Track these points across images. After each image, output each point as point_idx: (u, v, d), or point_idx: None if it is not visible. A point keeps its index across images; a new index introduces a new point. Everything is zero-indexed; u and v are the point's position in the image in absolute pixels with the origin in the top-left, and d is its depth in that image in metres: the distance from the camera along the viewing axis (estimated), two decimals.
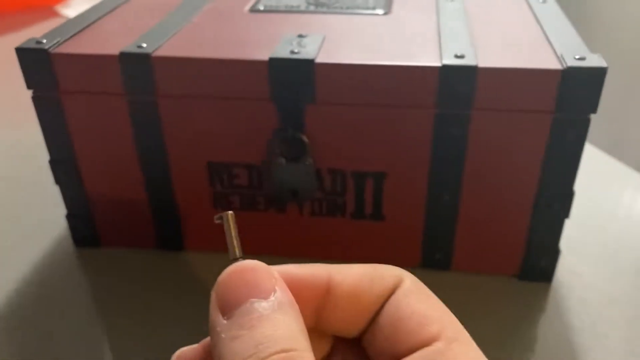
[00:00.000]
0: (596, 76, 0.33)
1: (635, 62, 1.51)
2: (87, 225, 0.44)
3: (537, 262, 0.40)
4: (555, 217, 0.38)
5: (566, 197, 0.37)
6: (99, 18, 0.43)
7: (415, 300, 0.19)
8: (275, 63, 0.35)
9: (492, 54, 0.35)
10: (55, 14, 0.92)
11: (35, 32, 0.88)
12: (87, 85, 0.38)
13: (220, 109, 0.37)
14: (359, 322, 0.19)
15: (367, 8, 0.43)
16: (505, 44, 0.36)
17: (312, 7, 0.44)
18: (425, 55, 0.35)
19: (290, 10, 0.44)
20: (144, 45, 0.37)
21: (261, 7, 0.44)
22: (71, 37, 0.39)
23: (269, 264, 0.19)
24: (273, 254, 0.42)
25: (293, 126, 0.37)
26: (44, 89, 0.38)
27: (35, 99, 0.39)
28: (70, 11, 0.92)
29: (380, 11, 0.43)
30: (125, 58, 0.36)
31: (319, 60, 0.35)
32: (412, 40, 0.38)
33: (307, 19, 0.42)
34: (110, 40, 0.38)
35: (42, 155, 0.56)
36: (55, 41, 0.38)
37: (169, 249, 0.44)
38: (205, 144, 0.39)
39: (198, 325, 0.37)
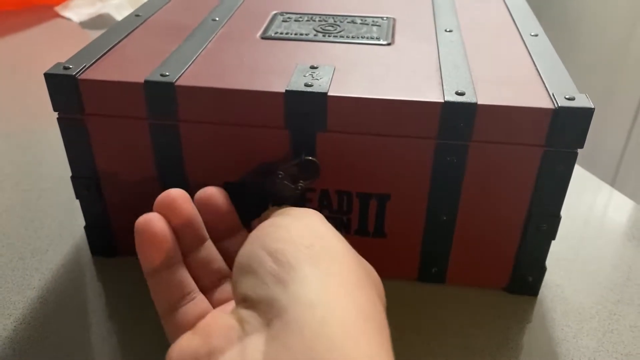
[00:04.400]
0: (584, 115, 0.36)
1: (605, 76, 1.56)
2: (104, 236, 0.46)
3: (525, 277, 0.43)
4: (542, 238, 0.41)
5: (553, 221, 0.40)
6: (119, 41, 0.45)
7: None
8: (291, 95, 0.38)
9: (489, 90, 0.38)
10: (56, 15, 0.93)
11: (36, 33, 0.90)
12: (112, 109, 0.40)
13: (237, 134, 0.40)
14: None
15: (372, 38, 0.46)
16: (500, 81, 0.40)
17: (320, 36, 0.47)
18: (428, 90, 0.38)
19: (299, 39, 0.46)
20: (167, 73, 0.39)
21: (272, 34, 0.47)
22: (95, 62, 0.42)
23: None
24: None
25: (305, 152, 0.40)
26: (70, 111, 0.40)
27: (61, 121, 0.41)
28: (71, 13, 0.93)
29: (384, 41, 0.46)
30: (150, 86, 0.39)
31: (331, 93, 0.38)
32: (415, 73, 0.41)
33: (317, 48, 0.45)
34: (133, 66, 0.41)
35: (59, 169, 0.59)
36: (81, 66, 0.40)
37: None
38: (222, 166, 0.41)
39: None
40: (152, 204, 0.44)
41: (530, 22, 0.50)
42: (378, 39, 0.46)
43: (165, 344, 0.40)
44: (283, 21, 0.50)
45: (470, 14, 0.52)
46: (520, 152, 0.38)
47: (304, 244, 0.28)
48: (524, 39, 0.47)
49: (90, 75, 0.40)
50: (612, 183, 1.64)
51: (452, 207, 0.41)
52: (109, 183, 0.43)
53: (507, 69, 0.42)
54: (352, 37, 0.47)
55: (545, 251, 0.42)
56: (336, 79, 0.40)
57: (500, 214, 0.41)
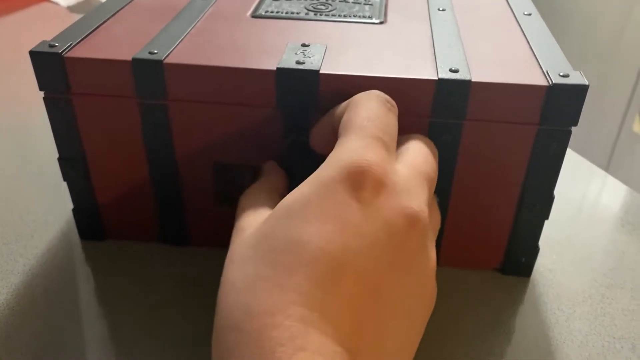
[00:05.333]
0: (578, 93, 0.36)
1: (598, 62, 1.57)
2: (93, 219, 0.45)
3: (518, 258, 0.43)
4: (536, 218, 0.41)
5: (547, 200, 0.40)
6: (106, 20, 0.44)
7: None
8: (282, 73, 0.37)
9: (483, 68, 0.38)
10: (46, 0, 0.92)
11: (23, 17, 0.88)
12: (99, 87, 0.39)
13: (227, 113, 0.39)
14: None
15: (364, 17, 0.46)
16: (494, 58, 0.39)
17: (311, 14, 0.46)
18: (422, 68, 0.38)
19: (290, 17, 0.46)
20: (155, 51, 0.39)
21: (262, 13, 0.46)
22: (82, 40, 0.41)
23: None
24: None
25: (297, 130, 0.39)
26: (56, 90, 0.40)
27: (47, 100, 0.40)
28: None
29: (376, 20, 0.45)
30: (138, 64, 0.38)
31: (323, 70, 0.37)
32: (408, 51, 0.40)
33: (308, 26, 0.44)
34: (121, 44, 0.40)
35: (45, 152, 0.58)
36: (67, 44, 0.39)
37: (172, 243, 0.46)
38: (212, 146, 0.41)
39: (199, 314, 0.40)
40: (141, 185, 0.43)
41: (523, 1, 0.50)
42: (370, 17, 0.46)
43: (155, 328, 0.40)
44: (274, 0, 0.49)
45: None
46: (514, 130, 0.38)
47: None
48: (517, 18, 0.46)
49: (76, 53, 0.39)
50: (606, 168, 1.65)
51: (445, 187, 0.40)
52: (96, 164, 0.43)
53: (500, 47, 0.41)
54: (344, 16, 0.46)
55: (538, 231, 0.42)
56: (328, 57, 0.39)
57: (494, 193, 0.41)
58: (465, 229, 0.42)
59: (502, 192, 0.41)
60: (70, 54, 0.39)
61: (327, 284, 0.23)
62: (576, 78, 0.36)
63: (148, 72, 0.38)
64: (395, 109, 0.33)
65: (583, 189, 0.57)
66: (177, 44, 0.40)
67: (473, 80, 0.36)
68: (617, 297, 0.43)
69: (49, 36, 0.41)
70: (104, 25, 0.43)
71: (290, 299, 0.23)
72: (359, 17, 0.46)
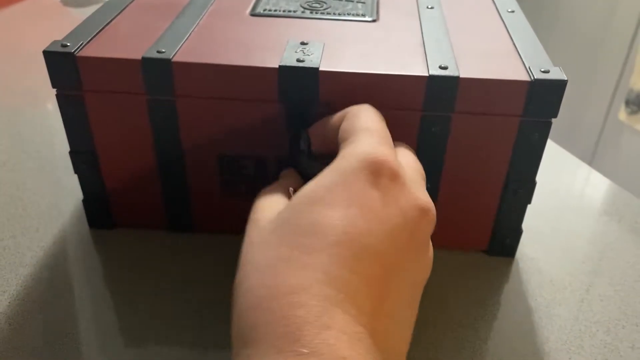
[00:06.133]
0: (558, 87, 0.39)
1: (583, 56, 1.60)
2: (102, 209, 0.48)
3: (503, 240, 0.47)
4: (519, 201, 0.44)
5: (529, 185, 0.44)
6: (113, 18, 0.46)
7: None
8: (284, 70, 0.40)
9: (470, 64, 0.41)
10: None
11: (17, 11, 0.89)
12: (110, 85, 0.42)
13: (232, 107, 0.42)
14: None
15: (357, 15, 0.48)
16: (480, 55, 0.42)
17: (307, 13, 0.49)
18: (414, 65, 0.40)
19: (288, 15, 0.48)
20: (163, 49, 0.41)
21: (261, 11, 0.49)
22: (92, 38, 0.43)
23: None
24: None
25: (299, 123, 0.42)
26: (68, 88, 0.42)
27: (60, 97, 0.42)
28: None
29: (369, 18, 0.48)
30: (147, 63, 0.40)
31: (322, 68, 0.40)
32: (400, 48, 0.43)
33: (305, 24, 0.47)
34: (130, 43, 0.42)
35: (46, 147, 0.60)
36: (79, 44, 0.41)
37: (180, 230, 0.48)
38: (217, 138, 0.43)
39: (207, 298, 0.42)
40: (149, 176, 0.46)
41: None
42: (363, 15, 0.48)
43: (165, 316, 0.42)
44: None
45: None
46: (499, 122, 0.41)
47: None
48: (502, 15, 0.49)
49: (88, 52, 0.41)
50: (592, 156, 1.69)
51: (435, 175, 0.44)
52: (106, 156, 0.45)
53: (486, 43, 0.44)
54: (339, 14, 0.48)
55: (521, 214, 0.45)
56: (326, 54, 0.42)
57: (480, 180, 0.44)
58: (454, 212, 0.46)
59: (488, 179, 0.44)
60: (82, 53, 0.41)
61: (351, 265, 0.25)
62: (556, 73, 0.39)
63: (157, 70, 0.40)
64: (384, 121, 0.35)
65: (567, 182, 0.60)
66: (183, 42, 0.42)
67: (461, 76, 0.39)
68: (595, 284, 0.47)
69: (44, 30, 0.43)
70: (112, 23, 0.46)
71: (316, 279, 0.24)
72: (353, 15, 0.49)
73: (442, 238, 0.47)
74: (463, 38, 0.45)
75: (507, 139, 0.42)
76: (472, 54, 0.42)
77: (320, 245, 0.25)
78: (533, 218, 0.45)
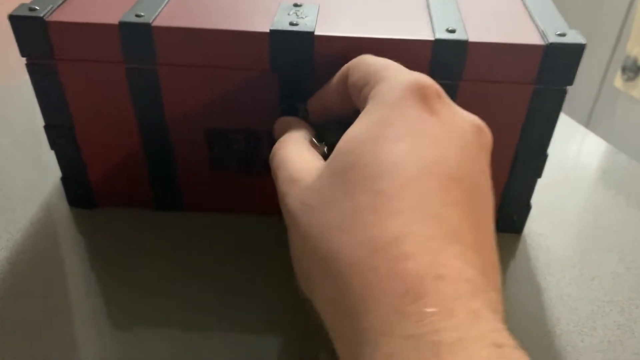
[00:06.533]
0: (575, 52, 0.36)
1: (580, 18, 1.56)
2: (83, 187, 0.45)
3: (511, 216, 0.44)
4: (529, 176, 0.42)
5: (540, 158, 0.41)
6: None
7: None
8: (275, 35, 0.36)
9: (479, 28, 0.37)
10: None
11: None
12: (84, 53, 0.38)
13: (220, 77, 0.38)
14: None
15: None
16: (490, 17, 0.39)
17: None
18: (418, 29, 0.37)
19: None
20: (142, 13, 0.37)
21: None
22: (63, 2, 0.39)
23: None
24: (268, 214, 0.44)
25: (293, 95, 0.38)
26: (39, 56, 0.38)
27: (30, 66, 0.39)
28: None
29: None
30: (125, 27, 0.36)
31: (318, 32, 0.36)
32: (403, 10, 0.40)
33: None
34: (105, 6, 0.38)
35: (19, 123, 0.57)
36: (48, 8, 0.38)
37: (167, 209, 0.45)
38: (204, 111, 0.40)
39: (196, 279, 0.40)
40: (132, 151, 0.42)
41: None
42: None
43: (151, 294, 0.40)
44: None
45: None
46: (510, 90, 0.38)
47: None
48: None
49: (59, 16, 0.37)
50: (587, 123, 1.67)
51: None
52: (85, 131, 0.42)
53: (496, 4, 0.41)
54: None
55: (531, 189, 0.42)
56: (322, 17, 0.38)
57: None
58: None
59: (497, 151, 0.40)
60: (53, 18, 0.37)
61: (443, 198, 0.22)
62: (573, 37, 0.36)
63: (136, 36, 0.37)
64: None
65: (569, 150, 0.58)
66: (164, 6, 0.39)
67: (470, 40, 0.36)
68: (604, 260, 0.44)
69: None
70: None
71: (413, 221, 0.21)
72: None
73: None
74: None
75: (518, 109, 0.39)
76: (480, 15, 0.39)
77: (402, 183, 0.22)
78: (540, 191, 0.42)
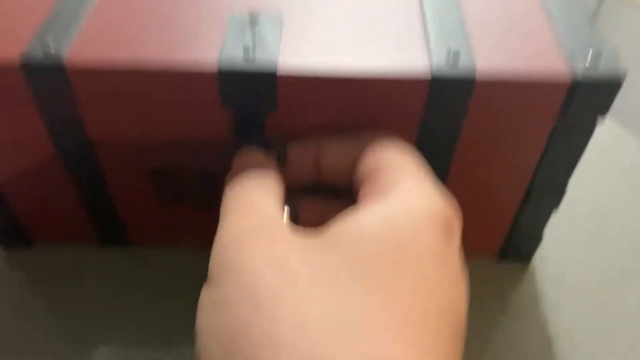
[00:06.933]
0: (611, 86, 0.28)
1: None
2: (12, 227, 0.38)
3: (518, 245, 0.38)
4: (544, 209, 0.35)
5: (559, 191, 0.34)
6: None
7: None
8: (225, 75, 0.28)
9: (487, 52, 0.29)
10: None
11: None
12: None
13: (159, 115, 0.30)
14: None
15: None
16: (502, 36, 0.30)
17: None
18: (409, 54, 0.28)
19: None
20: (50, 45, 0.28)
21: None
22: None
23: None
24: None
25: (252, 131, 0.31)
26: None
27: None
28: None
29: None
30: (30, 69, 0.28)
31: (281, 70, 0.28)
32: (389, 17, 0.31)
33: None
34: (4, 27, 0.29)
35: None
36: None
37: (109, 244, 0.39)
38: (145, 152, 0.32)
39: (143, 314, 0.34)
40: (63, 192, 0.35)
41: None
42: None
43: (92, 340, 0.34)
44: None
45: None
46: (525, 126, 0.30)
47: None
48: None
49: None
50: None
51: (441, 176, 0.33)
52: (3, 171, 0.34)
53: (509, 11, 0.32)
54: None
55: (545, 221, 0.36)
56: (286, 38, 0.29)
57: (499, 183, 0.34)
58: (464, 215, 0.36)
59: (509, 183, 0.34)
60: None
61: (453, 341, 0.21)
62: (609, 65, 0.28)
63: (46, 78, 0.28)
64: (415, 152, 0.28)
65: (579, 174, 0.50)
66: (80, 27, 0.30)
67: (478, 78, 0.28)
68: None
69: None
70: None
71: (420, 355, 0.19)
72: None
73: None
74: (476, 3, 0.32)
75: (534, 143, 0.31)
76: (490, 30, 0.30)
77: (421, 313, 0.20)
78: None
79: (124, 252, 0.39)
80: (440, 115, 0.29)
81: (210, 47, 0.29)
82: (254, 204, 0.24)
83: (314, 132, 0.29)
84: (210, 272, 0.22)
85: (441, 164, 0.32)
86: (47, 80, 0.28)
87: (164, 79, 0.28)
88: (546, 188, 0.33)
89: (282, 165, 0.28)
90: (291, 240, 0.22)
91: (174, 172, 0.34)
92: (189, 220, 0.37)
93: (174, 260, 0.39)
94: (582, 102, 0.28)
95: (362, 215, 0.22)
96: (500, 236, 0.38)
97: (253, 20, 0.30)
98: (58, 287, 0.37)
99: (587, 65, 0.28)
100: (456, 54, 0.28)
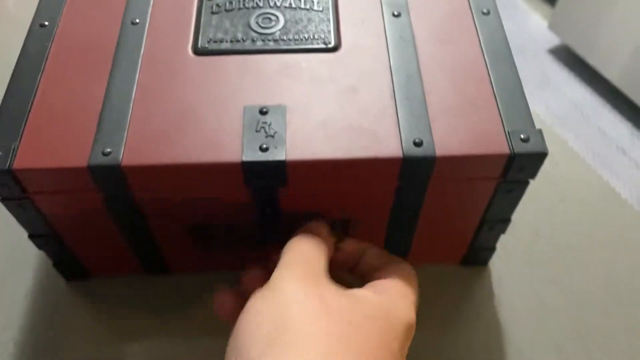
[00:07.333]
0: (537, 158, 0.37)
1: None
2: (74, 266, 0.47)
3: (476, 256, 0.48)
4: (495, 234, 0.45)
5: (505, 222, 0.44)
6: (37, 87, 0.39)
7: None
8: (247, 165, 0.36)
9: (446, 132, 0.37)
10: None
11: None
12: (58, 187, 0.38)
13: (195, 192, 0.39)
14: None
15: (316, 39, 0.42)
16: (458, 118, 0.38)
17: (259, 42, 0.42)
18: (386, 139, 0.37)
19: (237, 50, 0.42)
20: (109, 150, 0.36)
21: (205, 44, 0.42)
22: (22, 135, 0.37)
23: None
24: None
25: (267, 204, 0.40)
26: (11, 196, 0.38)
27: (4, 202, 0.39)
28: None
29: (330, 43, 0.42)
30: (95, 171, 0.36)
31: (289, 157, 0.36)
32: (369, 105, 0.39)
33: (259, 67, 0.41)
34: (68, 137, 0.37)
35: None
36: (10, 149, 0.36)
37: (153, 274, 0.49)
38: (184, 215, 0.41)
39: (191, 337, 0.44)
40: (118, 246, 0.44)
41: None
42: (323, 38, 0.42)
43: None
44: (212, 13, 0.44)
45: None
46: (476, 183, 0.39)
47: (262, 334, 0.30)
48: (475, 20, 0.43)
49: (24, 162, 0.36)
50: None
51: (410, 227, 0.43)
52: (70, 238, 0.43)
53: (464, 91, 0.40)
54: (295, 40, 0.42)
55: (496, 240, 0.46)
56: (290, 130, 0.37)
57: (456, 223, 0.44)
58: (431, 244, 0.46)
59: (464, 222, 0.44)
60: (18, 165, 0.36)
61: None
62: (536, 143, 0.37)
63: (107, 176, 0.37)
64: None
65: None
66: (128, 128, 0.38)
67: (437, 154, 0.37)
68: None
69: None
70: (37, 98, 0.39)
71: None
72: (312, 38, 0.42)
73: (421, 256, 0.48)
74: (435, 71, 0.41)
75: (483, 195, 0.41)
76: (447, 113, 0.39)
77: None
78: None
79: (165, 278, 0.49)
80: (411, 183, 0.38)
81: (233, 140, 0.37)
82: (309, 257, 0.35)
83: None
84: (268, 284, 0.32)
85: (413, 213, 0.42)
86: (108, 177, 0.37)
87: (199, 171, 0.37)
88: (494, 222, 0.43)
89: (336, 245, 0.38)
90: (328, 287, 0.32)
91: (206, 227, 0.43)
92: (217, 254, 0.46)
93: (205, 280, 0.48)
94: (517, 169, 0.38)
95: (369, 297, 0.33)
96: (461, 251, 0.48)
97: (263, 113, 0.38)
98: (112, 309, 0.47)
99: (522, 141, 0.37)
100: (421, 140, 0.37)
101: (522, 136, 0.37)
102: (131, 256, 0.46)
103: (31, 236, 0.42)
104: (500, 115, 0.39)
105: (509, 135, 0.37)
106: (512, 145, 0.37)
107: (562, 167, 0.57)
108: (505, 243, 0.50)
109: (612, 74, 1.58)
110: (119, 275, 0.49)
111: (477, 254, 0.48)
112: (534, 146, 0.37)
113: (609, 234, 0.52)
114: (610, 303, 0.48)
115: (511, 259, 0.50)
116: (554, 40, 1.79)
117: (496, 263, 0.50)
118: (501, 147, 0.37)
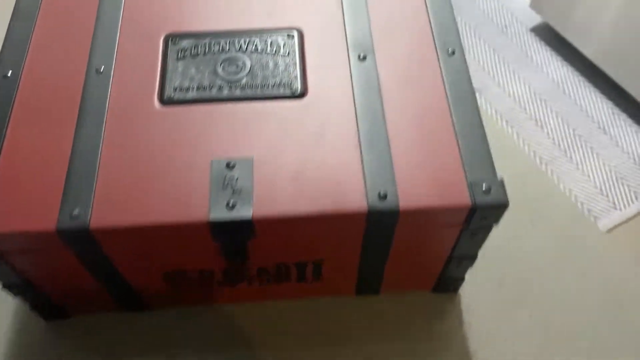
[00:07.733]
0: (498, 209, 0.38)
1: None
2: (51, 311, 0.48)
3: (446, 285, 0.49)
4: (463, 267, 0.46)
5: (472, 258, 0.45)
6: (2, 143, 0.40)
7: None
8: (214, 224, 0.37)
9: (409, 183, 0.38)
10: None
11: None
12: (30, 246, 0.38)
13: (166, 247, 0.40)
14: None
15: (283, 86, 0.42)
16: (420, 162, 0.39)
17: (225, 90, 0.42)
18: (351, 192, 0.38)
19: (203, 99, 0.42)
20: (76, 213, 0.37)
21: (171, 94, 0.42)
22: None
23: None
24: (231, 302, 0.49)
25: (236, 254, 0.41)
26: None
27: None
28: None
29: (296, 90, 0.42)
30: (64, 235, 0.37)
31: (255, 214, 0.37)
32: (335, 154, 0.39)
33: (226, 117, 0.41)
34: (35, 197, 0.37)
35: None
36: None
37: (129, 311, 0.50)
38: (157, 265, 0.42)
39: None
40: (94, 290, 0.45)
41: (449, 35, 0.45)
42: (290, 86, 0.42)
43: None
44: (178, 59, 0.44)
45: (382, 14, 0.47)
46: (442, 230, 0.40)
47: None
48: (441, 61, 0.43)
49: None
50: None
51: (381, 264, 0.44)
52: (45, 286, 0.44)
53: (425, 131, 0.40)
54: (262, 86, 0.42)
55: (464, 272, 0.47)
56: (257, 183, 0.38)
57: (424, 259, 0.45)
58: (401, 277, 0.47)
59: (433, 258, 0.45)
60: None
61: None
62: (497, 194, 0.38)
63: (76, 238, 0.37)
64: None
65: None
66: (95, 187, 0.38)
67: (401, 208, 0.37)
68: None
69: None
70: (3, 154, 0.39)
71: None
72: (278, 85, 0.42)
73: (391, 287, 0.49)
74: (400, 117, 0.41)
75: (449, 238, 0.42)
76: (410, 160, 0.39)
77: None
78: None
79: (143, 314, 0.49)
80: (377, 233, 0.39)
81: (200, 198, 0.37)
82: None
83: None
84: None
85: (382, 253, 0.43)
86: (77, 239, 0.37)
87: (167, 230, 0.37)
88: (461, 258, 0.44)
89: None
90: None
91: (179, 272, 0.43)
92: (189, 293, 0.47)
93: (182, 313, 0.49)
94: (479, 218, 0.38)
95: None
96: (432, 280, 0.49)
97: (229, 167, 0.39)
98: (92, 346, 0.48)
99: (483, 193, 0.38)
100: (385, 193, 0.38)
101: (484, 187, 0.38)
102: (108, 297, 0.47)
103: (5, 286, 0.43)
104: (463, 165, 0.39)
105: (471, 187, 0.38)
106: (473, 197, 0.38)
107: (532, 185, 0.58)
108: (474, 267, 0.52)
109: (590, 51, 1.58)
110: (98, 313, 0.49)
111: (447, 284, 0.49)
112: (494, 198, 0.38)
113: (576, 252, 0.54)
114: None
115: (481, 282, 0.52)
116: (536, 19, 1.79)
117: (466, 288, 0.51)
118: (463, 199, 0.38)
